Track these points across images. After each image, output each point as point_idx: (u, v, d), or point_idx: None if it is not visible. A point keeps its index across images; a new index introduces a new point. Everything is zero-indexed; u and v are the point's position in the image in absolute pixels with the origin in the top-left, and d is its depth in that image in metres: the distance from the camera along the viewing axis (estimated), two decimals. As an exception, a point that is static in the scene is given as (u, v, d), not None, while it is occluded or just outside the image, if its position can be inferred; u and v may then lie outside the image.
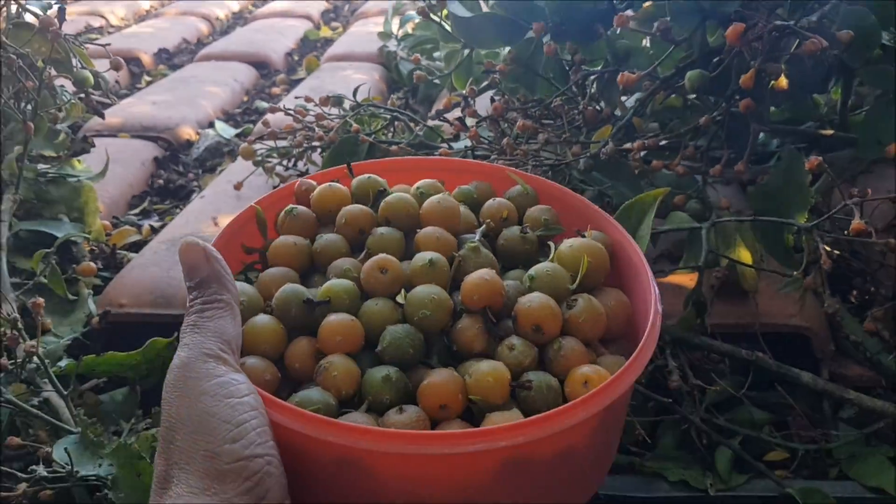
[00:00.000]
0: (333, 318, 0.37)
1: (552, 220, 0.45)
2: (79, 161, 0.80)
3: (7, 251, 0.67)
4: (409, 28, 1.39)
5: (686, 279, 0.68)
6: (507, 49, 0.76)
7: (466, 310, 0.37)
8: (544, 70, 0.74)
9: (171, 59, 1.52)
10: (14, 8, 0.77)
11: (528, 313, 0.36)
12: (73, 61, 0.75)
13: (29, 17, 0.78)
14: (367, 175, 0.45)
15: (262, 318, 0.37)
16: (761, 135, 0.76)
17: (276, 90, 1.35)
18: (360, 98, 0.89)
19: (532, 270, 0.39)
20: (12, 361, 0.56)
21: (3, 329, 0.56)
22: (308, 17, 1.86)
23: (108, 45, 0.79)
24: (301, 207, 0.44)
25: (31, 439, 0.56)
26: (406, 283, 0.39)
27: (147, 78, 1.41)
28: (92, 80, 0.75)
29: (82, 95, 0.76)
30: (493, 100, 0.73)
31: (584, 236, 0.42)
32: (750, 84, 0.56)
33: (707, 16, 0.58)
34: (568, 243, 0.41)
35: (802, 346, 0.65)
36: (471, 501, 0.32)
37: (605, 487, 0.56)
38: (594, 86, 0.71)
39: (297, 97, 0.89)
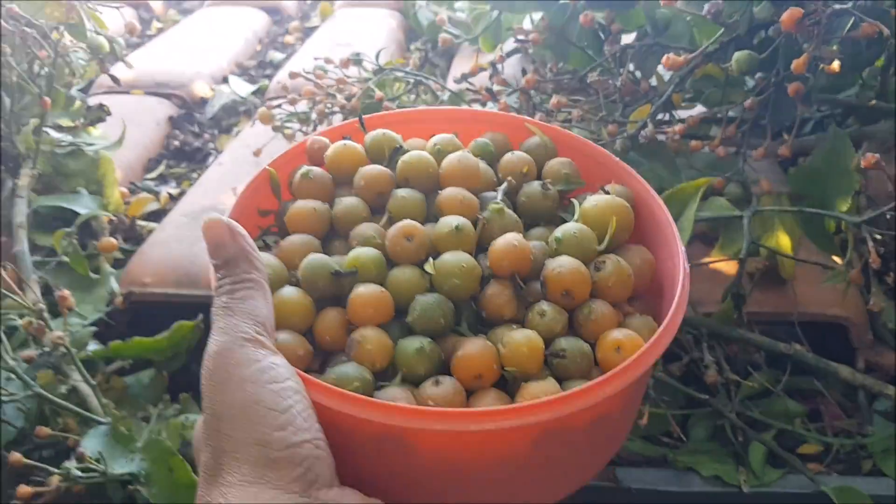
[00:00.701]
0: (363, 290, 0.36)
1: (573, 173, 0.43)
2: (94, 126, 0.78)
3: (27, 229, 0.65)
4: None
5: (722, 264, 0.66)
6: (540, 15, 0.73)
7: (494, 275, 0.37)
8: (578, 39, 0.71)
9: (180, 2, 1.47)
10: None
11: (558, 278, 0.36)
12: (87, 24, 0.72)
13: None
14: (381, 130, 0.44)
15: (290, 291, 0.36)
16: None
17: (289, 39, 1.30)
18: (380, 56, 0.86)
19: (558, 232, 0.38)
20: (40, 351, 0.55)
21: (29, 319, 0.55)
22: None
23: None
24: (316, 169, 0.42)
25: (60, 428, 0.56)
26: (431, 249, 0.38)
27: (157, 24, 1.36)
28: (107, 46, 0.72)
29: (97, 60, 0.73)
30: (524, 71, 0.70)
31: (607, 192, 0.40)
32: (802, 70, 0.53)
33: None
34: (593, 201, 0.40)
35: (839, 333, 0.64)
36: (507, 468, 0.33)
37: (638, 481, 0.56)
38: (631, 57, 0.68)
39: (314, 58, 0.85)
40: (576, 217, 0.40)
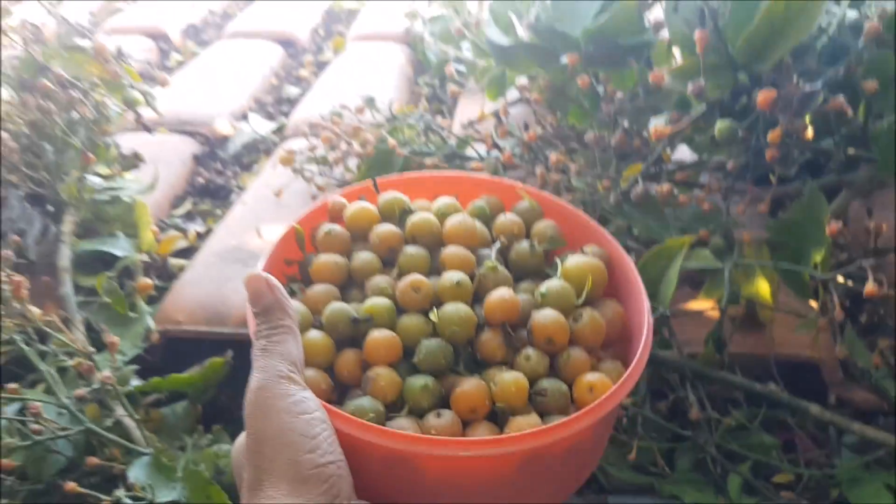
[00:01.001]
0: (377, 334, 0.43)
1: (556, 235, 0.50)
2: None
3: (70, 272, 0.72)
4: (436, 8, 1.40)
5: (707, 305, 0.72)
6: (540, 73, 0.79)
7: (488, 324, 0.44)
8: (576, 96, 0.77)
9: (198, 34, 1.54)
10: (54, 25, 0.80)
11: (543, 328, 0.43)
12: (123, 79, 0.79)
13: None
14: (392, 193, 0.51)
15: (315, 334, 0.43)
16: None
17: (303, 72, 1.37)
18: (392, 105, 0.92)
19: (543, 287, 0.45)
20: (89, 388, 0.61)
21: (78, 359, 0.61)
22: (331, -15, 1.85)
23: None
24: (336, 227, 0.49)
25: (106, 458, 0.62)
26: (435, 299, 0.45)
27: (177, 57, 1.43)
28: (142, 99, 0.79)
29: (132, 114, 0.79)
30: (526, 126, 0.76)
31: (585, 252, 0.48)
32: (777, 140, 0.59)
33: (738, 70, 0.60)
34: (573, 261, 0.46)
35: (813, 370, 0.70)
36: (498, 487, 0.39)
37: (627, 508, 0.62)
38: (625, 114, 0.74)
39: (331, 105, 0.91)
40: (558, 274, 0.46)
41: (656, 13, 0.75)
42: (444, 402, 0.42)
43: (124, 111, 0.81)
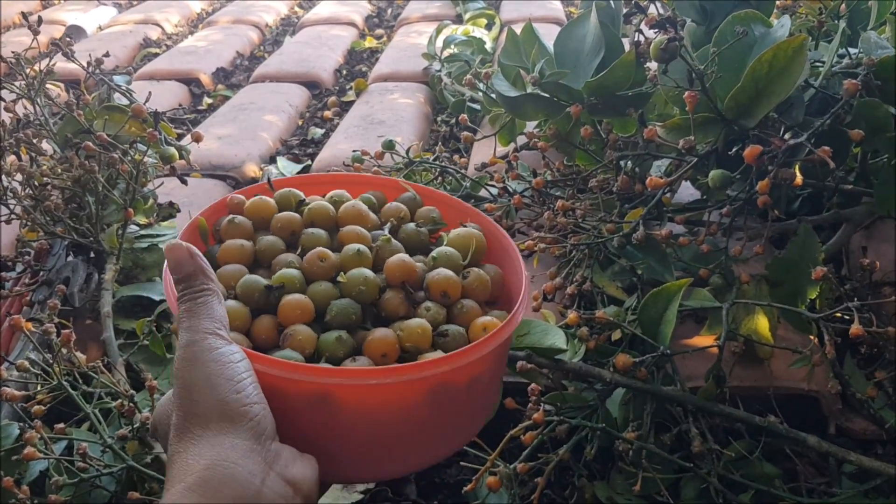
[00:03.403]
0: (291, 297, 0.48)
1: (438, 217, 0.57)
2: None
3: (112, 317, 0.77)
4: (452, 48, 1.45)
5: (708, 341, 0.76)
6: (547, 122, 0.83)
7: (389, 285, 0.49)
8: (581, 142, 0.82)
9: (228, 77, 1.61)
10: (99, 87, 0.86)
11: (437, 283, 0.49)
12: (160, 136, 0.85)
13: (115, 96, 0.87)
14: (286, 189, 0.56)
15: (231, 303, 0.47)
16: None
17: (328, 114, 1.43)
18: (410, 150, 0.97)
19: (434, 252, 0.51)
20: (130, 428, 0.67)
21: (120, 401, 0.66)
22: (353, 24, 1.92)
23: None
24: (239, 217, 0.54)
25: (146, 492, 0.67)
26: (339, 268, 0.50)
27: (208, 100, 1.50)
28: (177, 155, 0.84)
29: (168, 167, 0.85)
30: (535, 173, 0.81)
31: (465, 226, 0.54)
32: (766, 190, 0.63)
33: (727, 125, 0.64)
34: (455, 231, 0.54)
35: (812, 401, 0.73)
36: (409, 419, 0.44)
37: (634, 536, 0.66)
38: (627, 161, 0.78)
39: (352, 150, 0.96)
40: (445, 242, 0.53)
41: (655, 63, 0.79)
42: (358, 353, 0.47)
43: (159, 162, 0.87)
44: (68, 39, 0.88)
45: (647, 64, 0.81)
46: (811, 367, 0.66)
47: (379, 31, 1.92)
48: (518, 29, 0.87)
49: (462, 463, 0.66)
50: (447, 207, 0.58)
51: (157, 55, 1.73)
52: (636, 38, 0.76)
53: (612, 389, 0.69)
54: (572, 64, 0.78)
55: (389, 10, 2.10)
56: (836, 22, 0.71)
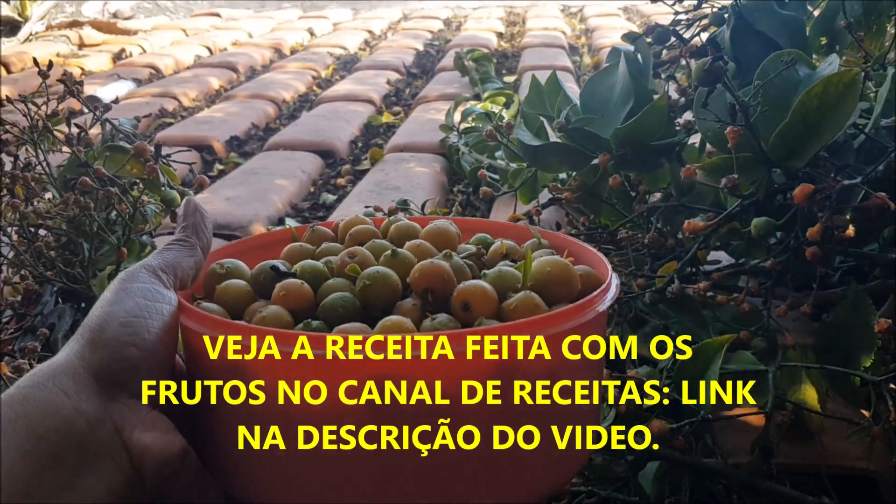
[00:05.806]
0: (286, 282, 0.39)
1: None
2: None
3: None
4: (469, 121, 1.43)
5: (749, 410, 0.68)
6: (573, 174, 0.79)
7: (412, 291, 0.39)
8: (608, 196, 0.77)
9: (241, 146, 1.59)
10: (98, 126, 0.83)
11: (461, 291, 0.37)
12: (162, 179, 0.80)
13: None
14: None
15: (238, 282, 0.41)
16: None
17: (341, 181, 1.39)
18: (425, 206, 0.92)
19: (490, 270, 0.40)
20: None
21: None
22: (370, 101, 1.92)
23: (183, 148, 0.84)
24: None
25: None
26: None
27: (219, 166, 1.47)
28: (179, 199, 0.80)
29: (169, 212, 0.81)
30: (558, 225, 0.76)
31: (555, 256, 0.42)
32: (817, 237, 0.57)
33: (773, 167, 0.59)
34: (537, 253, 0.43)
35: (869, 483, 0.65)
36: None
37: None
38: (658, 215, 0.73)
39: (364, 206, 0.92)
40: (517, 265, 0.41)
41: (686, 114, 0.75)
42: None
43: (162, 210, 0.82)
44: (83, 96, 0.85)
45: (678, 119, 0.77)
46: (871, 441, 0.59)
47: (396, 108, 1.92)
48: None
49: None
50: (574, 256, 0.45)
51: (171, 124, 1.72)
52: (666, 88, 0.73)
53: (645, 462, 0.62)
54: (600, 113, 0.74)
55: (407, 90, 2.11)
56: (883, 71, 0.67)
